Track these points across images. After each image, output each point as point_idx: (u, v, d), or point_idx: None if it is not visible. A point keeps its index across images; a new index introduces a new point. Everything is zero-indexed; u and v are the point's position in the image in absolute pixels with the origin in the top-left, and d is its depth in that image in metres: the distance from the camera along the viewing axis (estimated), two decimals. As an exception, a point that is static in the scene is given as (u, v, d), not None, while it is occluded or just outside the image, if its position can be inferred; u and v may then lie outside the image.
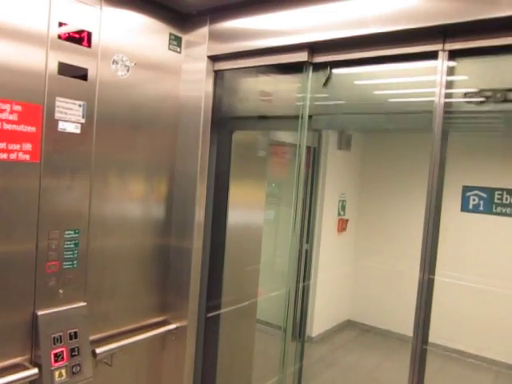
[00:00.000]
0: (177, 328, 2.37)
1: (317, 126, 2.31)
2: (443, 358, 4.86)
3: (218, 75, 2.35)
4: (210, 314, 2.48)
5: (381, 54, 1.86)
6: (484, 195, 5.10)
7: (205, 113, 2.30)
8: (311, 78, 2.13)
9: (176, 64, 2.32)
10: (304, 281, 2.61)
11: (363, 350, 5.67)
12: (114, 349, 2.10)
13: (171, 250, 2.39)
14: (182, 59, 2.34)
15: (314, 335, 5.60)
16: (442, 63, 1.72)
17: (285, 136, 3.69)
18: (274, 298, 2.71)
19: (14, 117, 1.71)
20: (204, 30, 2.28)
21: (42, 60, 1.78)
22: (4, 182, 1.71)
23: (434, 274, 1.79)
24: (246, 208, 2.73)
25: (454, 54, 1.72)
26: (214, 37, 2.25)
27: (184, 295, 2.36)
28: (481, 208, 5.06)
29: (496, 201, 5.02)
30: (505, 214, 4.91)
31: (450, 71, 1.75)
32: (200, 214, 2.35)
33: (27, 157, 1.76)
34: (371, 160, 6.16)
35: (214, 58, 2.30)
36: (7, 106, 1.69)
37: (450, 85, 1.77)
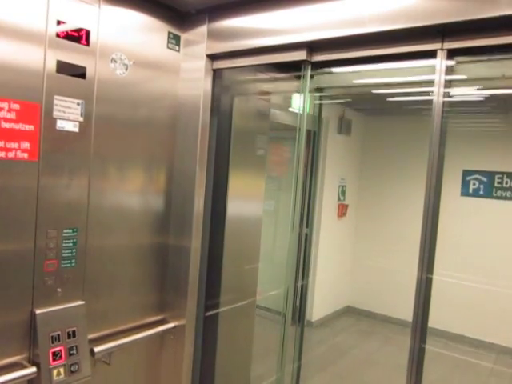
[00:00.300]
0: (175, 327, 2.37)
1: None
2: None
3: (216, 74, 2.35)
4: (209, 313, 2.48)
5: (379, 52, 1.85)
6: (484, 179, 5.09)
7: (203, 111, 2.30)
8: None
9: (175, 62, 2.32)
10: (304, 266, 2.62)
11: (362, 334, 5.73)
12: (113, 348, 2.09)
13: (170, 248, 2.39)
14: (180, 58, 2.34)
15: (314, 320, 5.62)
16: (440, 62, 1.72)
17: (284, 117, 3.62)
18: (275, 282, 2.71)
19: (12, 115, 1.71)
20: (203, 29, 2.27)
21: (41, 58, 1.78)
22: (2, 180, 1.71)
23: (433, 257, 1.79)
24: (246, 201, 2.72)
25: (452, 53, 1.72)
26: (213, 35, 2.25)
27: (182, 294, 2.36)
28: (481, 192, 5.07)
29: (496, 185, 5.03)
30: (505, 198, 4.92)
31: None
32: (199, 209, 2.35)
33: (25, 155, 1.76)
34: (371, 145, 6.16)
35: (212, 57, 2.29)
36: (5, 105, 1.69)
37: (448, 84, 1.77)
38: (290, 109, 2.77)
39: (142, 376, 2.37)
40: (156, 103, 2.25)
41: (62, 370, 1.86)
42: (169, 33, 2.27)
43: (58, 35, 1.82)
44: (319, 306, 5.72)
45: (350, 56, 1.95)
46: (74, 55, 1.88)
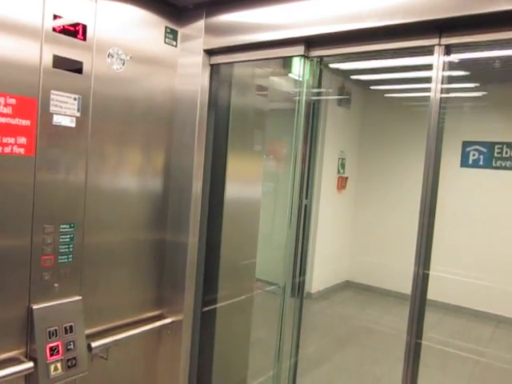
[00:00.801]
0: (172, 322, 2.38)
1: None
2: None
3: (214, 69, 2.34)
4: (206, 308, 2.49)
5: (377, 48, 1.85)
6: (484, 150, 5.08)
7: (201, 107, 2.29)
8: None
9: (172, 58, 2.31)
10: (303, 237, 2.62)
11: (362, 304, 5.82)
12: (110, 343, 2.10)
13: (167, 243, 2.39)
14: (177, 53, 2.33)
15: (313, 291, 5.65)
16: (438, 58, 1.72)
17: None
18: (275, 254, 2.71)
19: (8, 110, 1.70)
20: (200, 24, 2.26)
21: (37, 53, 1.77)
22: (-2, 175, 1.70)
23: (433, 227, 1.80)
24: (243, 198, 2.72)
25: (450, 49, 1.72)
26: (210, 30, 2.24)
27: (180, 289, 2.36)
28: (480, 163, 5.07)
29: (496, 155, 5.01)
30: (504, 168, 4.92)
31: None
32: (196, 205, 2.35)
33: (22, 150, 1.75)
34: (370, 118, 6.15)
35: (210, 52, 2.29)
36: (1, 99, 1.68)
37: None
38: (290, 75, 2.71)
39: (140, 371, 2.38)
40: (153, 98, 2.24)
41: (59, 365, 1.87)
42: (166, 28, 2.26)
43: (54, 29, 1.81)
44: (318, 280, 5.76)
45: (348, 51, 1.95)
46: (70, 50, 1.87)
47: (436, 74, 1.74)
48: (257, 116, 2.76)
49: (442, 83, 1.75)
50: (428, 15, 1.64)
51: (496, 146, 4.95)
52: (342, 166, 5.96)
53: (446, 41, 1.69)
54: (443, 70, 1.74)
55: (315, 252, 5.59)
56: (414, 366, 1.82)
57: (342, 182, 5.95)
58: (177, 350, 2.38)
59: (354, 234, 6.25)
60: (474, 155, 5.01)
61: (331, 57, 2.07)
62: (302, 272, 2.60)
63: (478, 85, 4.77)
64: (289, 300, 2.19)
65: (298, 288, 2.51)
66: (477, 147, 5.01)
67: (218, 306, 2.55)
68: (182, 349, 2.38)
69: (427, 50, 1.75)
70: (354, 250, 6.23)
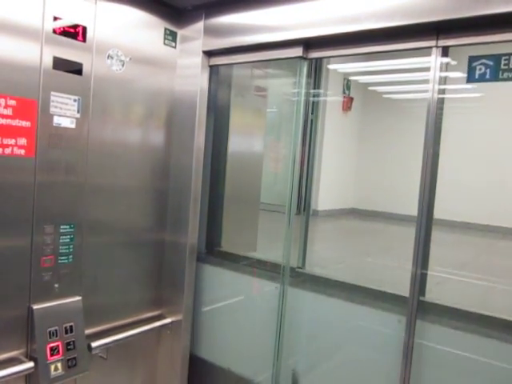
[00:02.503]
0: (172, 322, 2.39)
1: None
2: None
3: (213, 70, 2.35)
4: (206, 309, 2.50)
5: (375, 49, 1.86)
6: (490, 63, 5.06)
7: (200, 108, 2.30)
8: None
9: (171, 59, 2.32)
10: (309, 155, 2.59)
11: (366, 220, 6.00)
12: (110, 343, 2.11)
13: (167, 244, 2.40)
14: (177, 54, 2.34)
15: (319, 209, 5.67)
16: (435, 59, 1.73)
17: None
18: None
19: (8, 111, 1.71)
20: (199, 25, 2.28)
21: (37, 54, 1.78)
22: (-1, 176, 1.71)
23: (437, 160, 1.80)
24: (243, 198, 2.73)
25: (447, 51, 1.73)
26: (209, 32, 2.25)
27: (179, 289, 2.37)
28: (487, 76, 5.04)
29: (503, 67, 5.00)
30: None
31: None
32: (195, 206, 2.36)
33: (22, 151, 1.76)
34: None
35: (209, 53, 2.30)
36: (2, 101, 1.69)
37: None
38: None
39: (139, 370, 2.38)
40: (152, 99, 2.25)
41: (59, 364, 1.87)
42: (165, 29, 2.27)
43: (54, 31, 1.82)
44: (324, 201, 5.77)
45: (346, 53, 1.97)
46: (70, 51, 1.88)
47: (433, 74, 1.75)
48: (256, 116, 2.78)
49: (440, 84, 1.76)
50: (425, 17, 1.66)
51: (503, 58, 4.96)
52: (348, 86, 5.79)
53: (443, 42, 1.71)
54: (440, 70, 1.75)
55: (321, 176, 5.56)
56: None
57: (347, 103, 5.78)
58: (176, 350, 2.39)
59: (358, 162, 6.20)
60: (480, 69, 5.00)
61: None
62: (308, 191, 2.63)
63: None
64: (294, 217, 2.18)
65: (304, 205, 2.54)
66: (483, 61, 5.01)
67: (217, 306, 2.55)
68: (181, 348, 2.39)
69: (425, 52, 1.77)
70: (359, 176, 6.21)
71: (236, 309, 2.44)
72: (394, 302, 1.90)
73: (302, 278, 2.25)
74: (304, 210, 2.59)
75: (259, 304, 2.34)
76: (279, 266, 2.21)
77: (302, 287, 2.20)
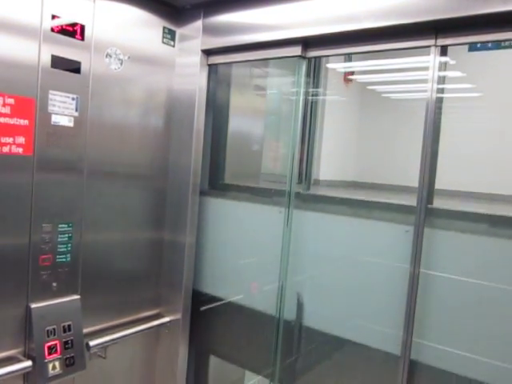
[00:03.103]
0: (170, 321, 2.39)
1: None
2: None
3: (211, 69, 2.35)
4: (204, 308, 2.50)
5: (374, 48, 1.86)
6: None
7: (199, 106, 2.30)
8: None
9: (170, 57, 2.32)
10: (310, 129, 2.58)
11: (369, 191, 6.04)
12: (108, 342, 2.11)
13: (165, 243, 2.40)
14: (175, 53, 2.34)
15: (321, 179, 5.68)
16: (434, 58, 1.73)
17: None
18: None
19: (6, 110, 1.71)
20: (198, 24, 2.27)
21: (35, 53, 1.78)
22: (-3, 175, 1.71)
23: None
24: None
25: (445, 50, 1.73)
26: (208, 31, 2.25)
27: (177, 288, 2.37)
28: (489, 45, 5.01)
29: None
30: None
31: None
32: (194, 205, 2.36)
33: (20, 150, 1.76)
34: None
35: (207, 52, 2.30)
36: (0, 99, 1.68)
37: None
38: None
39: (138, 369, 2.39)
40: (151, 98, 2.25)
41: (57, 363, 1.87)
42: (164, 28, 2.27)
43: (52, 30, 1.82)
44: (326, 173, 5.75)
45: (345, 52, 1.97)
46: (68, 50, 1.88)
47: (432, 74, 1.75)
48: (255, 114, 2.78)
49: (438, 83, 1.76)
50: (424, 16, 1.66)
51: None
52: (349, 58, 5.82)
53: (441, 41, 1.71)
54: (439, 70, 1.75)
55: (322, 149, 5.54)
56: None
57: (347, 74, 5.79)
58: (174, 349, 2.39)
59: (360, 136, 6.18)
60: None
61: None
62: (309, 162, 2.62)
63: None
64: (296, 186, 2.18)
65: (305, 175, 2.53)
66: None
67: (215, 304, 2.55)
68: (179, 347, 2.39)
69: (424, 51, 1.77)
70: (361, 150, 6.19)
71: (241, 238, 2.38)
72: (401, 212, 1.89)
73: (308, 199, 2.20)
74: (305, 179, 2.57)
75: (266, 229, 2.28)
76: (284, 191, 2.17)
77: (308, 208, 2.15)
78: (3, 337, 1.80)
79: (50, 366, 1.85)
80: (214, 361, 2.64)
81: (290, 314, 2.19)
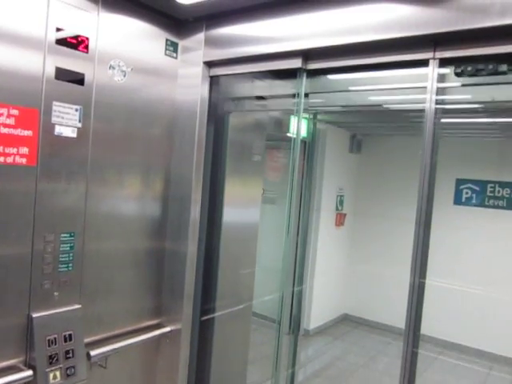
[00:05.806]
0: (171, 331, 2.39)
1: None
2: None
3: (213, 80, 2.38)
4: (205, 317, 2.50)
5: (373, 61, 1.89)
6: (477, 188, 5.11)
7: (200, 117, 2.32)
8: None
9: (172, 69, 2.35)
10: (301, 272, 2.65)
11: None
12: (109, 351, 2.11)
13: (166, 252, 2.41)
14: (178, 64, 2.36)
15: (311, 328, 5.66)
16: (432, 71, 1.75)
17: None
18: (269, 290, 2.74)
19: (11, 121, 1.73)
20: (200, 36, 2.30)
21: (40, 64, 1.80)
22: (0, 185, 1.73)
23: (426, 263, 1.81)
24: (242, 207, 2.75)
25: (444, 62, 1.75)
26: (210, 43, 2.28)
27: (179, 298, 2.38)
28: (473, 201, 5.08)
29: (488, 193, 5.05)
30: (497, 207, 4.93)
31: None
32: (195, 214, 2.37)
33: (24, 160, 1.78)
34: (369, 159, 6.24)
35: (209, 64, 2.32)
36: (4, 110, 1.71)
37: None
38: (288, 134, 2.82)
39: (138, 380, 2.38)
40: (153, 109, 2.28)
41: (58, 373, 1.87)
42: (166, 40, 2.30)
43: (57, 42, 1.84)
44: (317, 315, 5.76)
45: (345, 64, 1.99)
46: (72, 62, 1.90)
47: (431, 85, 1.77)
48: (256, 127, 2.80)
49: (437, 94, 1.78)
50: (423, 30, 1.68)
51: (488, 185, 5.01)
52: (341, 202, 5.97)
53: (440, 54, 1.73)
54: (438, 81, 1.77)
55: (314, 288, 5.61)
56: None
57: (340, 219, 5.90)
58: (175, 359, 2.39)
59: (351, 269, 6.25)
60: (466, 193, 5.10)
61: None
62: (298, 309, 2.64)
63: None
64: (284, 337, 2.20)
65: (297, 324, 2.54)
66: (469, 185, 5.07)
67: (216, 315, 2.56)
68: (180, 357, 2.39)
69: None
70: (353, 286, 6.25)
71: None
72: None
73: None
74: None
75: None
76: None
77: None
78: (4, 346, 1.80)
79: (51, 375, 1.85)
80: (215, 370, 2.64)
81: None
